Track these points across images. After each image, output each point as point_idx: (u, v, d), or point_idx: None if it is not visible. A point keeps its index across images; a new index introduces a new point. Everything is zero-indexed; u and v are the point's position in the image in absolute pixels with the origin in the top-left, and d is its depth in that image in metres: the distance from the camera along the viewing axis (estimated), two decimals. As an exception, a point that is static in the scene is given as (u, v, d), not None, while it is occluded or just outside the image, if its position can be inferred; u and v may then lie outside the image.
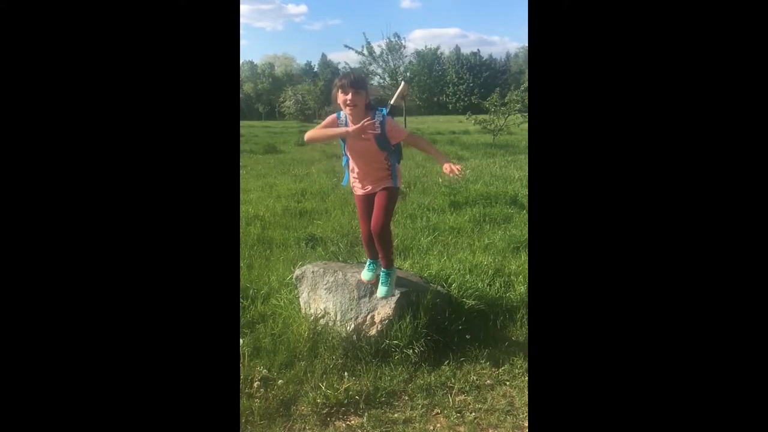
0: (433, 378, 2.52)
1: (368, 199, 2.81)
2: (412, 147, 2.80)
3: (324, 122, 2.65)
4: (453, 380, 2.50)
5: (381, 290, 2.79)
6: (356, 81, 2.54)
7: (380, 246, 2.76)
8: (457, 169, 2.49)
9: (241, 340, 2.49)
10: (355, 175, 2.79)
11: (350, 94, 2.50)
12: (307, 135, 2.60)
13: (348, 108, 2.54)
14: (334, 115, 2.66)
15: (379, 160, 2.69)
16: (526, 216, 4.99)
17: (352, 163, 2.76)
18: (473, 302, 2.99)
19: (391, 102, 2.80)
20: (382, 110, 2.61)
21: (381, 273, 2.86)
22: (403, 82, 3.30)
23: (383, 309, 2.74)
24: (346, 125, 2.58)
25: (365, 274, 2.92)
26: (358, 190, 2.84)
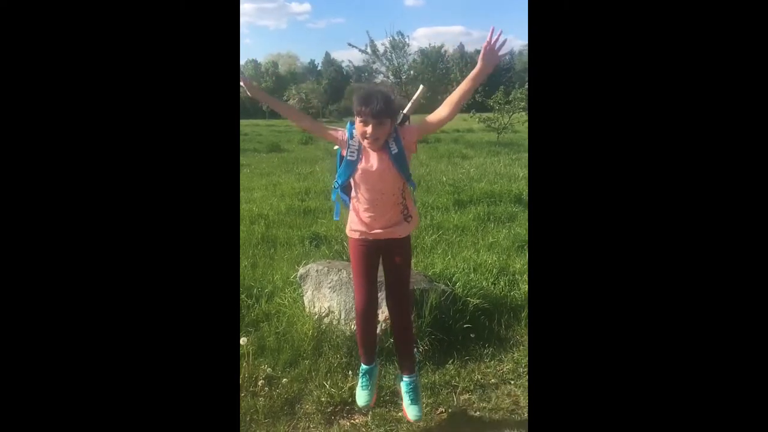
0: (437, 377, 2.52)
1: (373, 250, 2.04)
2: (440, 127, 2.03)
3: (332, 131, 2.02)
4: (457, 379, 2.50)
5: (413, 411, 2.07)
6: (381, 110, 1.81)
7: (405, 342, 2.12)
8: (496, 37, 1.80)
9: (245, 339, 2.49)
10: (358, 206, 2.01)
11: (371, 126, 1.84)
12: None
13: (367, 141, 1.89)
14: (345, 133, 1.98)
15: (395, 192, 1.98)
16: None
17: (355, 193, 2.03)
18: (477, 301, 2.99)
19: (405, 111, 2.07)
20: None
21: (404, 384, 2.11)
22: (422, 86, 2.84)
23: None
24: (360, 153, 1.95)
25: (361, 397, 2.15)
26: (364, 234, 2.01)
